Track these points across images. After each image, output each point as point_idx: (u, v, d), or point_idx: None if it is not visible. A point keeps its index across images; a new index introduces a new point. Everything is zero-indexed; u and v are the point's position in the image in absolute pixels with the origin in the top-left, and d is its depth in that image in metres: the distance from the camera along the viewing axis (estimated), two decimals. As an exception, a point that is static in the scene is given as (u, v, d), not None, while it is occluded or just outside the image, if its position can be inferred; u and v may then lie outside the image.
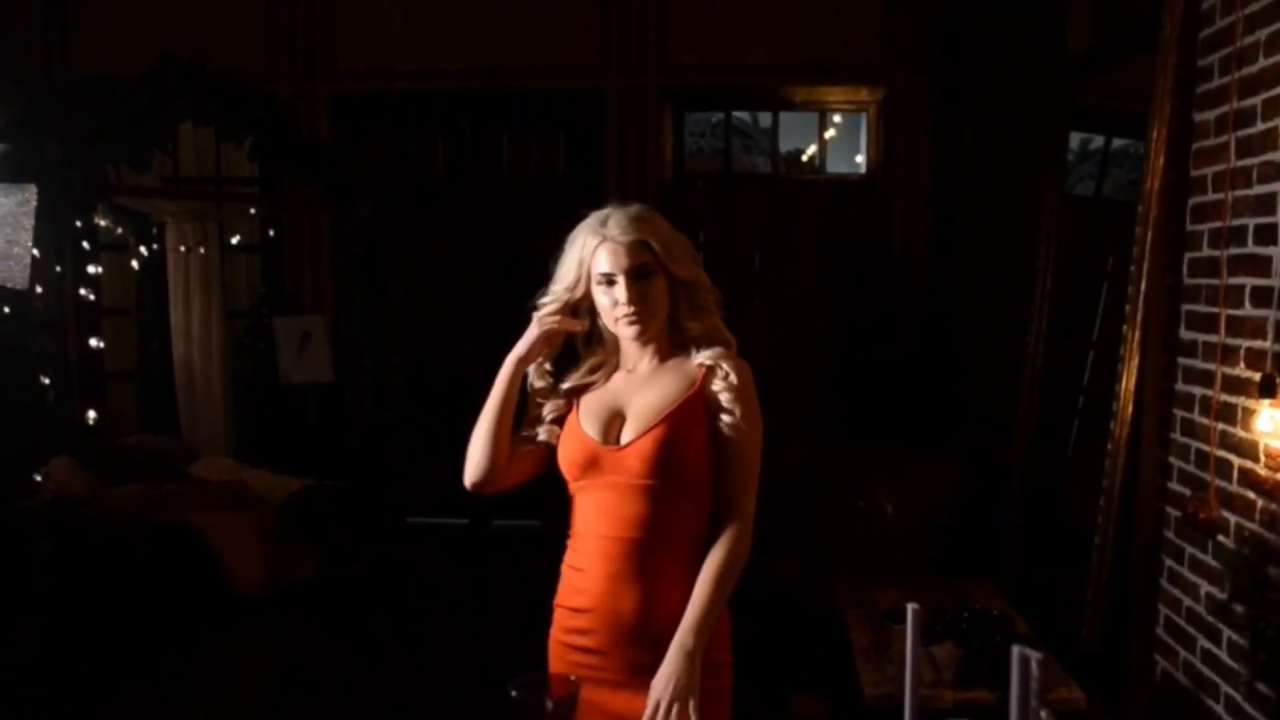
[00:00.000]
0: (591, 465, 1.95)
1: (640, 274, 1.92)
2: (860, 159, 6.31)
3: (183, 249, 6.20)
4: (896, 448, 5.14)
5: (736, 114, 6.57)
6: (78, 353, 6.09)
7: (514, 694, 1.54)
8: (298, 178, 6.00)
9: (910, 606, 1.42)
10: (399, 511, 6.19)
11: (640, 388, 1.99)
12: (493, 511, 6.37)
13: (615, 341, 2.04)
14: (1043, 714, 1.33)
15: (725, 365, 1.93)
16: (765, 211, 6.16)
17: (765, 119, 6.54)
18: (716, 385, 1.93)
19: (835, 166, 6.47)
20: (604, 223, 1.95)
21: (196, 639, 4.62)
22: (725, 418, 1.92)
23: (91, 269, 6.02)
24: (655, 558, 1.90)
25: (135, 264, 6.38)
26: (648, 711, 1.81)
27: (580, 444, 1.97)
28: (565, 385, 2.05)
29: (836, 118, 6.34)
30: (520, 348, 2.00)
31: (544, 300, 2.03)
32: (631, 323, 1.93)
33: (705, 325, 1.99)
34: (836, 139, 6.42)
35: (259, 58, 6.15)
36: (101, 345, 6.17)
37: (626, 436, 1.94)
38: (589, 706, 1.90)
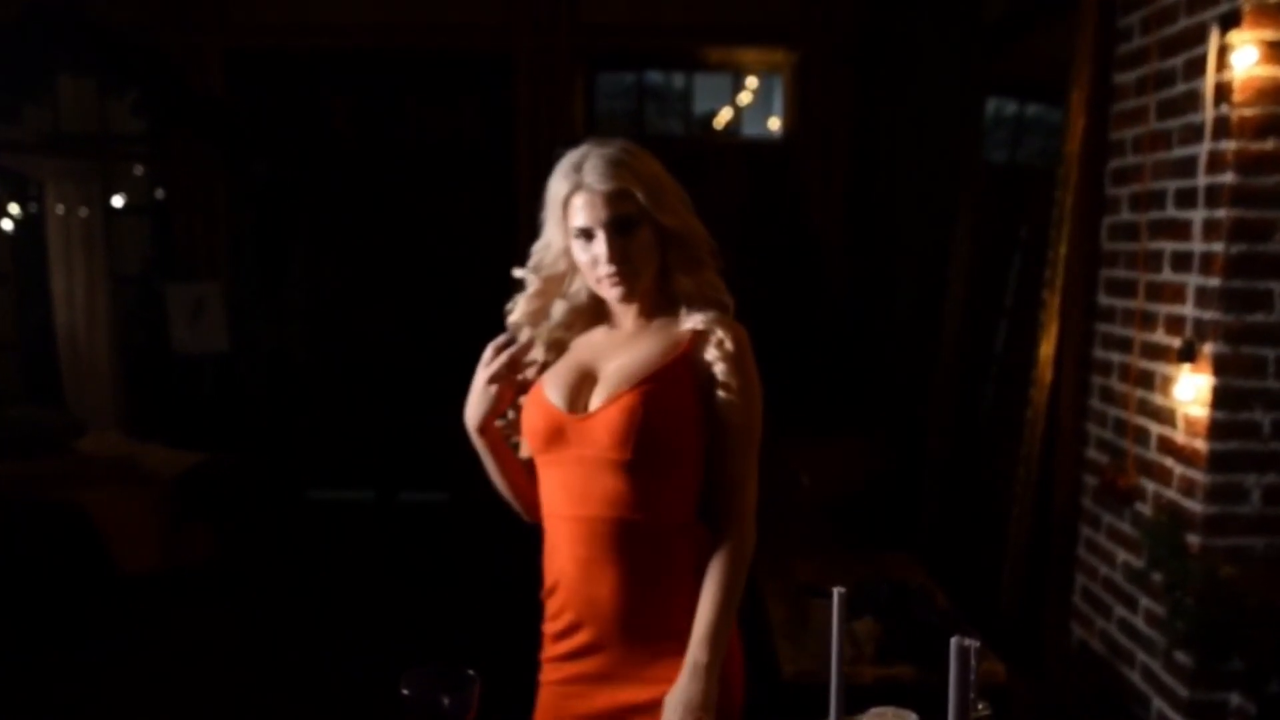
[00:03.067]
0: (556, 437, 1.70)
1: (622, 227, 1.65)
2: (775, 123, 6.21)
3: (61, 209, 5.82)
4: (813, 417, 5.07)
5: (650, 76, 6.41)
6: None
7: (405, 692, 1.38)
8: (189, 136, 5.68)
9: (836, 590, 1.29)
10: (300, 486, 5.99)
11: (618, 349, 1.73)
12: (399, 484, 6.19)
13: (594, 301, 1.78)
14: (980, 705, 1.23)
15: (720, 330, 1.68)
16: (679, 175, 6.00)
17: (679, 81, 6.40)
18: (710, 354, 1.68)
19: (750, 130, 6.37)
20: (578, 167, 1.67)
21: (83, 625, 4.38)
22: (721, 392, 1.68)
23: (-40, 231, 5.66)
24: (629, 540, 1.68)
25: (9, 225, 5.97)
26: None
27: (543, 412, 1.71)
28: (536, 356, 1.78)
29: (751, 81, 6.23)
30: (471, 414, 1.74)
31: (522, 273, 1.76)
32: (615, 284, 1.67)
33: (699, 280, 1.73)
34: (751, 103, 6.31)
35: (144, 7, 5.76)
36: (-26, 312, 5.81)
37: (594, 404, 1.68)
38: (564, 703, 1.75)
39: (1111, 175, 3.18)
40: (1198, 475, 2.63)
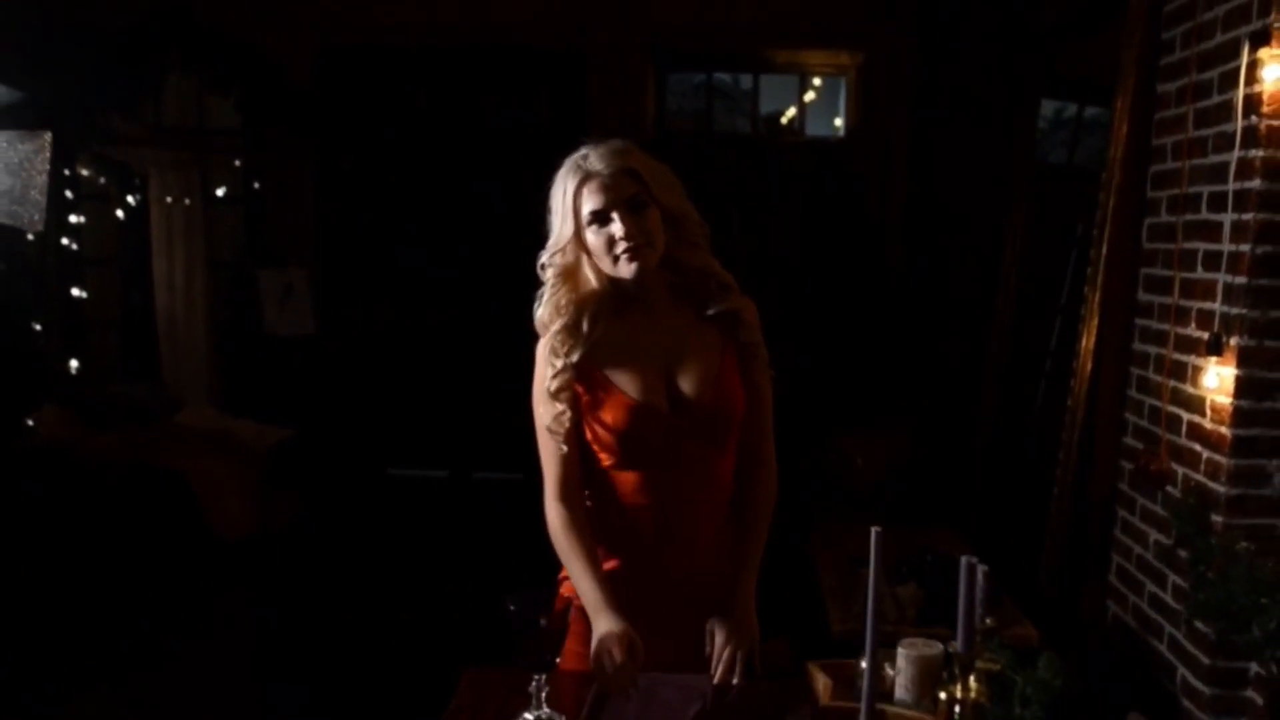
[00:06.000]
0: (653, 434, 1.81)
1: (634, 206, 1.77)
2: (839, 122, 6.41)
3: (167, 200, 6.22)
4: (868, 403, 5.29)
5: (718, 75, 6.64)
6: (60, 302, 6.12)
7: (511, 608, 1.64)
8: (281, 130, 6.03)
9: (874, 530, 1.55)
10: (380, 463, 6.29)
11: (672, 339, 1.86)
12: (474, 464, 6.49)
13: (609, 287, 1.85)
14: (988, 620, 1.48)
15: (746, 312, 1.90)
16: (744, 172, 6.25)
17: (746, 81, 6.61)
18: (745, 332, 1.90)
19: (814, 129, 6.56)
20: (584, 158, 1.80)
21: (181, 583, 4.69)
22: (755, 361, 1.91)
23: (73, 218, 6.04)
24: (702, 520, 1.88)
25: (120, 214, 6.38)
26: (718, 654, 1.79)
27: (635, 413, 1.81)
28: (574, 359, 1.83)
29: (816, 81, 6.42)
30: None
31: (544, 260, 1.85)
32: (632, 257, 1.76)
33: (700, 261, 1.88)
34: (815, 102, 6.51)
35: (244, 6, 6.11)
36: (83, 295, 6.21)
37: (690, 396, 1.83)
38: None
39: (1153, 179, 3.37)
40: (1222, 459, 2.83)
